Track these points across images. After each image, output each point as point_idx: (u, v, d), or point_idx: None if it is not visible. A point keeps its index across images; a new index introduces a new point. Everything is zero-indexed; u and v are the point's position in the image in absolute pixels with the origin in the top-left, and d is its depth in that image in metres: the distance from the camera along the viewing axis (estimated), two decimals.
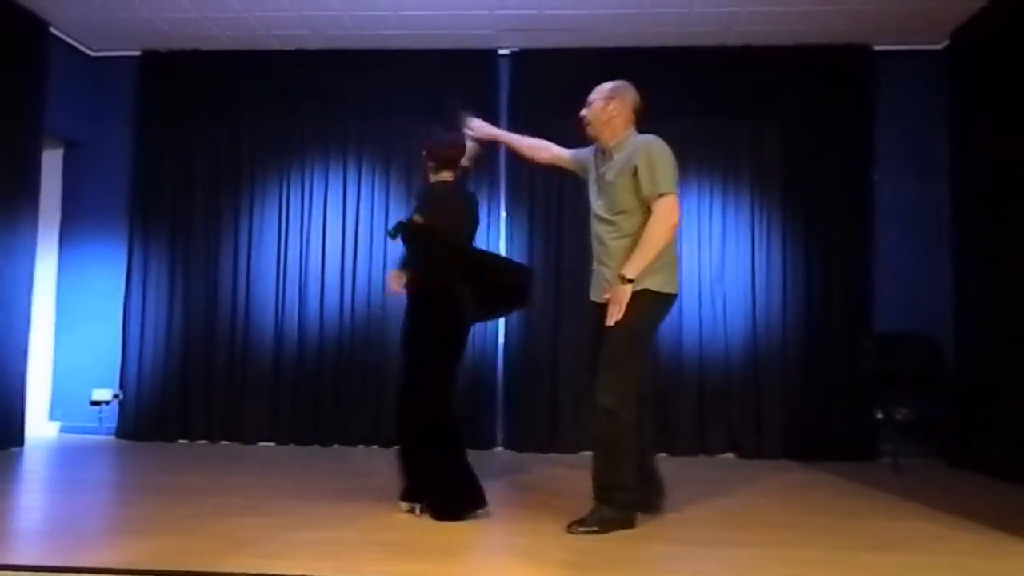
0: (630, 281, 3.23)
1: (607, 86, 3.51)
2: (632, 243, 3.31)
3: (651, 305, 3.31)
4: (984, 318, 4.98)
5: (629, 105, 3.47)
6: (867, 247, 5.58)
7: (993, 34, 4.96)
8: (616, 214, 3.37)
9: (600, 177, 3.49)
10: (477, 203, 3.80)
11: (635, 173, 3.30)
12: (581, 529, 3.19)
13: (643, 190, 3.29)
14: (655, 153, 3.32)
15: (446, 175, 3.59)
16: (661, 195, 3.26)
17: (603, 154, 3.51)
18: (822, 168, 5.63)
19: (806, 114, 5.67)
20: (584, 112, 3.53)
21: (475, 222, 3.70)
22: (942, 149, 5.51)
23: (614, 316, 3.25)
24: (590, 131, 3.53)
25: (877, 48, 5.67)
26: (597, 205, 3.48)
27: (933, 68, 5.63)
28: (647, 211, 3.30)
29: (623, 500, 3.26)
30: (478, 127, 3.78)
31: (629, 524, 3.26)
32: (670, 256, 3.36)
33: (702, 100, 5.70)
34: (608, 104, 3.46)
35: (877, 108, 5.67)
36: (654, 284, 3.29)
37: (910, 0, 5.02)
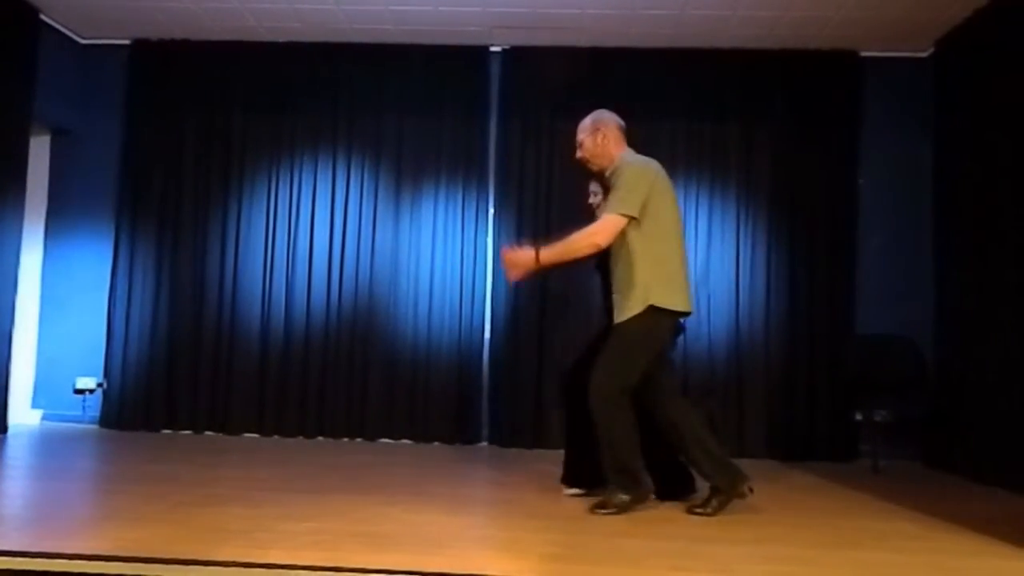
0: (538, 257, 3.42)
1: (587, 122, 3.61)
2: (625, 267, 3.41)
3: (649, 319, 3.38)
4: (965, 322, 5.05)
5: (614, 127, 3.58)
6: (851, 250, 5.65)
7: (975, 43, 5.05)
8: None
9: None
10: None
11: None
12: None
13: None
14: (621, 176, 3.44)
15: None
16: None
17: (603, 184, 3.66)
18: (808, 171, 5.69)
19: (794, 117, 5.73)
20: (579, 155, 3.62)
21: None
22: (925, 154, 5.58)
23: (509, 274, 3.53)
24: (593, 168, 3.63)
25: (864, 54, 5.74)
26: None
27: (918, 75, 5.71)
28: (634, 229, 3.39)
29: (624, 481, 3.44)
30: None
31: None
32: (666, 272, 3.42)
33: (692, 102, 5.75)
34: (596, 136, 3.56)
35: (863, 113, 5.74)
36: (657, 300, 3.37)
37: (896, 9, 5.10)
